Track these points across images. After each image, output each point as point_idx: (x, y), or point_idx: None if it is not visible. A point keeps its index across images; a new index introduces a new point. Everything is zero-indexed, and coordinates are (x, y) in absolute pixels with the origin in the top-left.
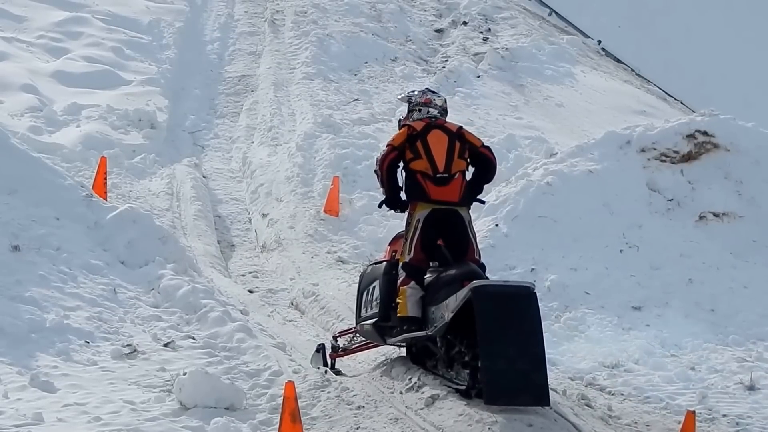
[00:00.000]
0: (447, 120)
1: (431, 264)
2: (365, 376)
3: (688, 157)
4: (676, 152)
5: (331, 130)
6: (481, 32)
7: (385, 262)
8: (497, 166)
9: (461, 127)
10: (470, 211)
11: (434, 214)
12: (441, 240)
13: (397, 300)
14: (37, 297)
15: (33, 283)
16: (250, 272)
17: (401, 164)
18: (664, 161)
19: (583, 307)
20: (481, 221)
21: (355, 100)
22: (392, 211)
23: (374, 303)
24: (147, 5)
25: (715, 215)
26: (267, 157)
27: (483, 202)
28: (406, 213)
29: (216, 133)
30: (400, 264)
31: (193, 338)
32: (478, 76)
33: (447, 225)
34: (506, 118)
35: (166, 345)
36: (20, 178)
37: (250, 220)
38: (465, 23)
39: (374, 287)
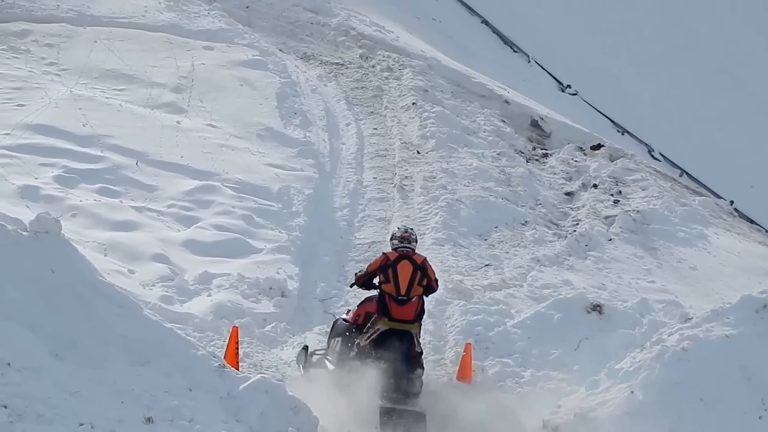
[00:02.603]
0: (415, 251)
1: None
2: None
3: None
4: None
5: (462, 296)
6: (612, 195)
7: (347, 324)
8: (436, 292)
9: (425, 260)
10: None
11: (390, 332)
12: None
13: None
14: None
15: None
16: None
17: (375, 281)
18: None
19: None
20: (617, 388)
21: (486, 265)
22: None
23: (336, 354)
24: (276, 172)
25: None
26: None
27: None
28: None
29: (347, 300)
30: (356, 341)
31: None
32: (610, 240)
33: (399, 340)
34: (639, 282)
35: None
36: (153, 348)
37: None
38: (595, 186)
39: (338, 341)
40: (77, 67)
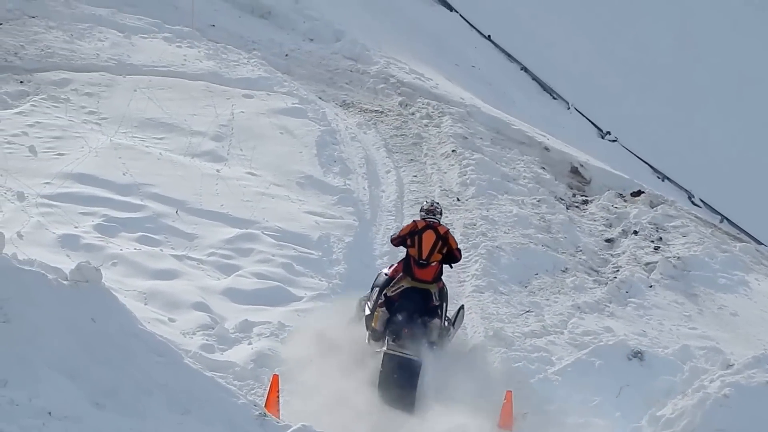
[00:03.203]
0: (441, 222)
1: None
2: None
3: None
4: None
5: (503, 344)
6: (652, 241)
7: (387, 278)
8: (460, 261)
9: (447, 231)
10: (439, 285)
11: (412, 289)
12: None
13: (375, 314)
14: None
15: None
16: None
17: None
18: None
19: None
20: None
21: (526, 311)
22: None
23: (372, 302)
24: (316, 220)
25: None
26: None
27: (451, 266)
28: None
29: None
30: (384, 291)
31: None
32: (651, 286)
33: (419, 295)
34: (680, 329)
35: None
36: (194, 397)
37: None
38: (635, 232)
39: (377, 291)
40: (117, 115)
